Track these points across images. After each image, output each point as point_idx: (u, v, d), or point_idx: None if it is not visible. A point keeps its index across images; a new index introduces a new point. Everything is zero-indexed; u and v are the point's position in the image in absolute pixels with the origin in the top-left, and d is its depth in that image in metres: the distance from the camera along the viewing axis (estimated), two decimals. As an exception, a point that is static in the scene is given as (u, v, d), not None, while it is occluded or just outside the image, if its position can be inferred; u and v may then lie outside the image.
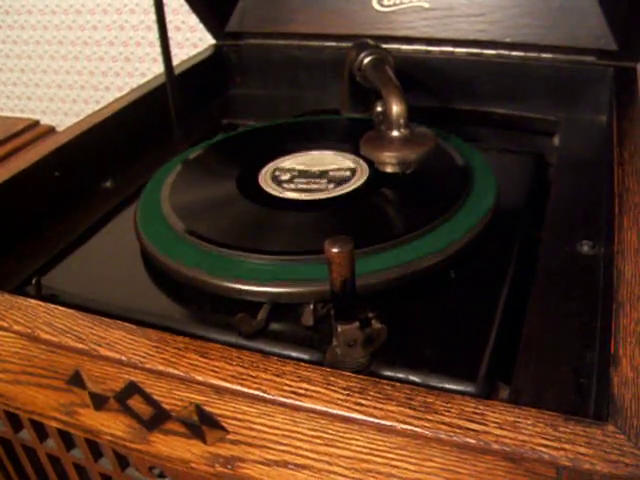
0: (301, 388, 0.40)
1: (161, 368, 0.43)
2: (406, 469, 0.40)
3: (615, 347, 0.42)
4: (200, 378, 0.42)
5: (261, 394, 0.41)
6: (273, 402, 0.41)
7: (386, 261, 0.55)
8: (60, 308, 0.50)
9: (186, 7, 1.00)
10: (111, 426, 0.51)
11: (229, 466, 0.47)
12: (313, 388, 0.40)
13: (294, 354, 0.49)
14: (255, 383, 0.41)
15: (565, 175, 0.71)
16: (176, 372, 0.43)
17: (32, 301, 0.51)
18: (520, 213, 0.65)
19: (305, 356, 0.49)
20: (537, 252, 0.59)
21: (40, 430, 0.60)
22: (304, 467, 0.44)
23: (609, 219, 0.57)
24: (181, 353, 0.44)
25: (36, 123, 1.28)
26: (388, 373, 0.47)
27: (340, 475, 0.43)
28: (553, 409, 0.39)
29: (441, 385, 0.45)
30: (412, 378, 0.46)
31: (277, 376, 0.41)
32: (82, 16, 1.49)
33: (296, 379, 0.41)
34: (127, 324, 0.48)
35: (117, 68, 1.53)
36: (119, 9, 1.45)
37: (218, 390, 0.43)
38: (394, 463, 0.40)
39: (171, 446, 0.49)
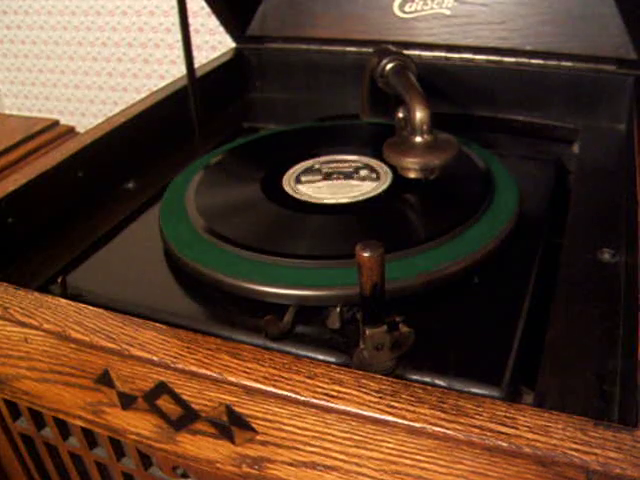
0: (333, 390, 0.41)
1: (194, 369, 0.44)
2: (435, 471, 0.41)
3: (642, 354, 0.42)
4: (233, 379, 0.43)
5: (294, 395, 0.41)
6: (305, 404, 0.42)
7: (411, 266, 0.55)
8: (90, 308, 0.51)
9: (206, 10, 1.01)
10: (138, 425, 0.52)
11: (256, 467, 0.48)
12: (345, 390, 0.41)
13: (320, 356, 0.50)
14: (288, 385, 0.42)
15: (585, 182, 0.71)
16: (209, 373, 0.44)
17: (62, 300, 0.52)
18: (541, 219, 0.65)
19: (331, 359, 0.49)
20: (558, 259, 0.59)
21: (63, 428, 0.60)
22: (333, 468, 0.45)
23: (631, 227, 0.57)
24: (213, 354, 0.45)
25: (56, 123, 1.29)
26: (414, 377, 0.47)
27: (368, 477, 0.44)
28: (578, 414, 0.39)
29: (466, 389, 0.46)
30: (438, 382, 0.47)
31: (309, 378, 0.42)
32: (101, 17, 1.50)
33: (328, 381, 0.42)
34: (158, 324, 0.48)
35: (135, 69, 1.54)
36: (138, 11, 1.46)
37: (250, 391, 0.43)
38: (423, 465, 0.41)
39: (198, 446, 0.50)
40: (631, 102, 0.79)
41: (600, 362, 0.48)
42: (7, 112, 1.72)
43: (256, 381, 0.43)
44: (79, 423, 0.56)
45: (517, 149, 0.82)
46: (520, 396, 0.47)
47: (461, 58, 0.89)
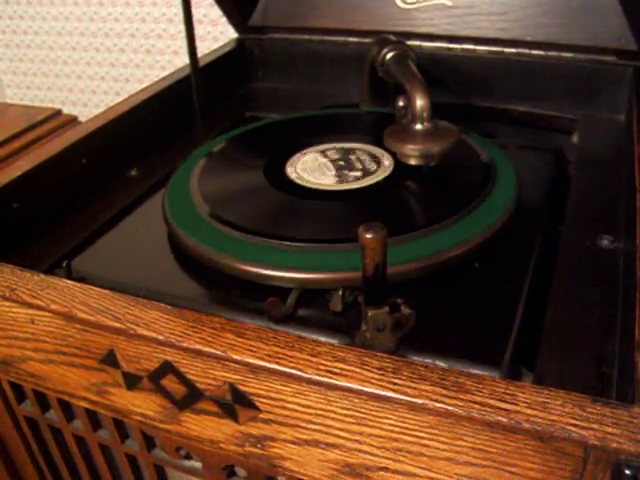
0: (336, 367, 0.42)
1: (198, 347, 0.45)
2: (437, 448, 0.41)
3: (640, 334, 0.43)
4: (237, 357, 0.44)
5: (298, 373, 0.42)
6: (309, 381, 0.42)
7: (412, 251, 0.56)
8: (95, 288, 0.51)
9: (208, 0, 1.00)
10: (142, 406, 0.53)
11: (259, 445, 0.49)
12: (348, 367, 0.42)
13: (323, 338, 0.50)
14: (292, 362, 0.42)
15: (584, 171, 0.72)
16: (213, 351, 0.44)
17: (68, 281, 0.53)
18: (541, 207, 0.66)
19: (334, 340, 0.50)
20: (558, 245, 0.60)
21: (67, 410, 0.61)
22: (335, 446, 0.45)
23: (630, 214, 0.58)
24: (218, 333, 0.45)
25: (59, 112, 1.29)
26: (415, 358, 0.48)
27: (370, 454, 0.44)
28: (577, 395, 0.40)
29: (467, 370, 0.46)
30: (439, 363, 0.47)
31: (313, 356, 0.43)
32: (104, 8, 1.51)
33: (331, 359, 0.42)
34: (162, 304, 0.49)
35: (138, 60, 1.54)
36: (141, 1, 1.46)
37: (254, 369, 0.44)
38: (424, 442, 0.42)
39: (202, 426, 0.50)
40: (630, 92, 0.80)
41: (598, 345, 0.48)
42: (9, 102, 1.73)
43: (260, 359, 0.43)
44: (83, 404, 0.57)
45: (517, 139, 0.83)
46: (520, 377, 0.48)
47: (462, 49, 0.90)
